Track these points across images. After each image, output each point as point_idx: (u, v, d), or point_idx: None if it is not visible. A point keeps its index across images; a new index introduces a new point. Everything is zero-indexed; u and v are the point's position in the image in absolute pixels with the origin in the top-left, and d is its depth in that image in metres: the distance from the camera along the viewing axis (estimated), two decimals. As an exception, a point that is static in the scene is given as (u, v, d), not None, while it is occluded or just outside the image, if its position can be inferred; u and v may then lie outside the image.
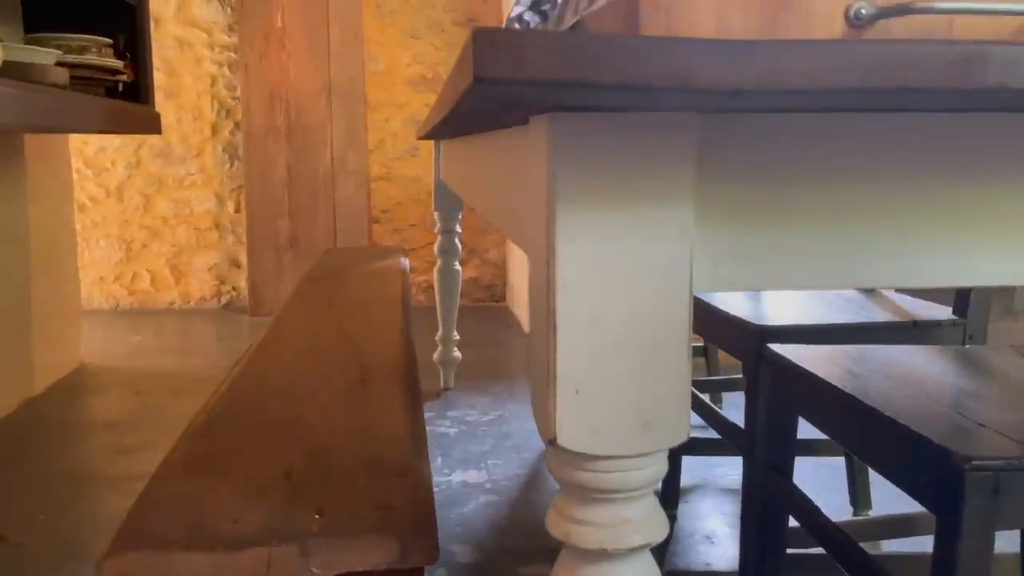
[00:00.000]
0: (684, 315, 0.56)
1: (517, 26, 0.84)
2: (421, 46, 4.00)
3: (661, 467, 0.58)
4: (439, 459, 2.09)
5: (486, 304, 4.17)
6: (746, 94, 0.44)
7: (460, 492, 1.89)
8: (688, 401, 0.58)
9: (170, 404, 2.59)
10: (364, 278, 1.99)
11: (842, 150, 0.57)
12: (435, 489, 1.88)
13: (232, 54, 3.86)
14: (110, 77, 2.37)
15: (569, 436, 0.56)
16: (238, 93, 3.83)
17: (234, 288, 4.01)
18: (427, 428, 2.30)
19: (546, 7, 0.84)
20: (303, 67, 3.77)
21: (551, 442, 0.56)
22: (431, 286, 4.04)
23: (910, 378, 1.06)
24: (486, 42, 0.43)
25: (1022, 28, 0.58)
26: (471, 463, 2.06)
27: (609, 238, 0.54)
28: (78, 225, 3.68)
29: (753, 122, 0.57)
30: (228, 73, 3.89)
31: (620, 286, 0.55)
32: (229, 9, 3.86)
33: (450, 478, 1.97)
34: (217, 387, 1.19)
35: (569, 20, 0.76)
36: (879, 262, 0.59)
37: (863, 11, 0.57)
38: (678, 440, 0.57)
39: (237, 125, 3.89)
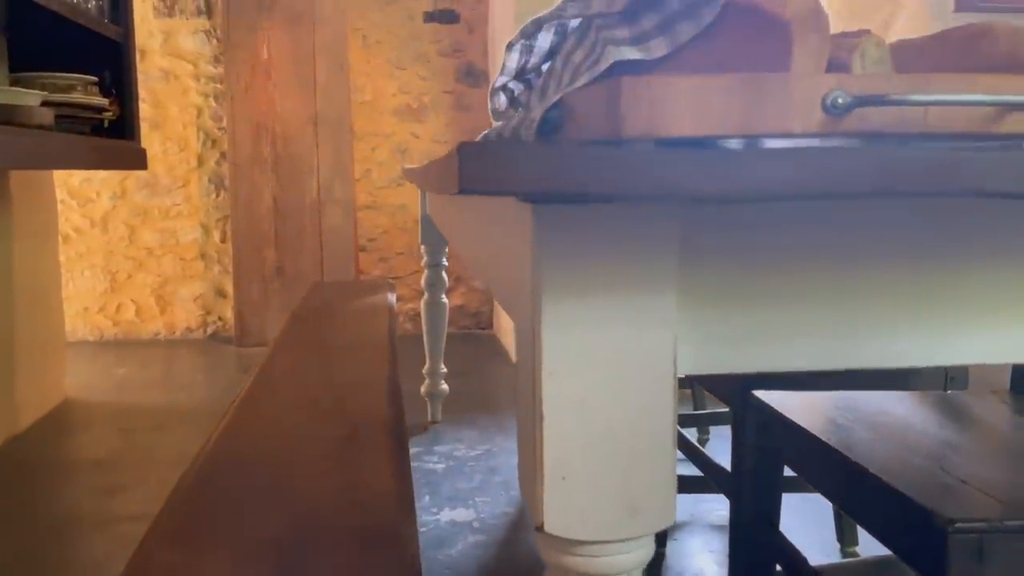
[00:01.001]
0: (669, 401, 0.57)
1: (502, 95, 0.85)
2: (407, 76, 4.03)
3: (647, 551, 0.59)
4: (426, 497, 2.08)
5: (473, 332, 4.17)
6: (728, 202, 0.45)
7: (448, 532, 1.88)
8: (674, 484, 0.58)
9: (156, 441, 2.57)
10: (351, 318, 1.99)
11: (823, 234, 0.59)
12: (422, 529, 1.87)
13: (218, 85, 3.87)
14: (96, 115, 2.37)
15: (556, 522, 0.56)
16: (224, 124, 3.83)
17: (220, 318, 4.00)
18: (414, 464, 2.30)
19: (531, 76, 0.85)
20: (289, 98, 3.78)
21: (539, 528, 0.57)
22: (418, 314, 4.04)
23: (894, 428, 1.07)
24: (471, 157, 0.43)
25: (993, 116, 0.60)
26: (459, 501, 2.06)
27: (593, 327, 0.55)
28: (62, 256, 3.66)
29: (735, 208, 0.58)
30: (214, 104, 3.90)
31: (605, 373, 0.56)
32: (215, 41, 3.87)
33: (438, 517, 1.96)
34: (203, 444, 1.19)
35: (552, 95, 0.77)
36: (861, 343, 0.60)
37: (840, 100, 0.58)
38: (664, 524, 0.58)
39: (223, 155, 3.89)
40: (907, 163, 0.46)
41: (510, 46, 0.83)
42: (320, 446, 1.12)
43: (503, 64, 0.84)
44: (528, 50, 0.83)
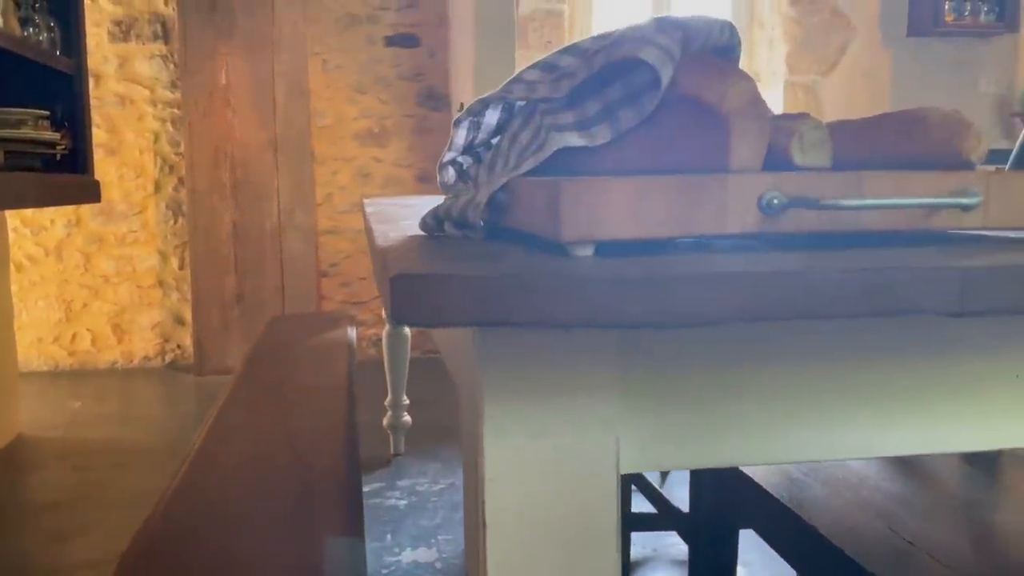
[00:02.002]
0: (612, 504, 0.57)
1: (450, 169, 0.85)
2: (368, 100, 4.02)
3: (592, 652, 0.59)
4: (388, 536, 2.07)
5: (436, 356, 4.15)
6: (662, 328, 0.46)
7: (410, 574, 1.87)
8: (618, 586, 0.58)
9: (112, 480, 2.52)
10: (309, 357, 1.97)
11: (759, 334, 0.59)
12: (384, 572, 1.86)
13: (175, 110, 3.83)
14: (47, 150, 2.33)
15: (500, 628, 0.56)
16: (182, 149, 3.79)
17: (179, 346, 3.94)
18: (376, 501, 2.28)
19: (479, 149, 0.85)
20: (248, 123, 3.75)
21: (483, 633, 0.56)
22: (380, 340, 4.02)
23: (848, 483, 1.09)
24: (403, 291, 0.43)
25: (925, 212, 0.61)
26: (421, 539, 2.04)
27: (536, 434, 0.55)
28: (15, 286, 3.59)
29: (674, 310, 0.58)
30: (171, 129, 3.85)
31: (547, 480, 0.56)
32: (172, 66, 3.83)
33: (399, 558, 1.95)
34: (154, 507, 1.17)
35: (499, 173, 0.77)
36: (801, 437, 0.61)
37: (775, 201, 0.59)
38: (608, 626, 0.58)
39: (181, 181, 3.85)
40: (839, 286, 0.46)
41: (457, 123, 0.83)
42: (272, 508, 1.10)
43: (451, 140, 0.84)
44: (476, 126, 0.83)
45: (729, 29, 0.78)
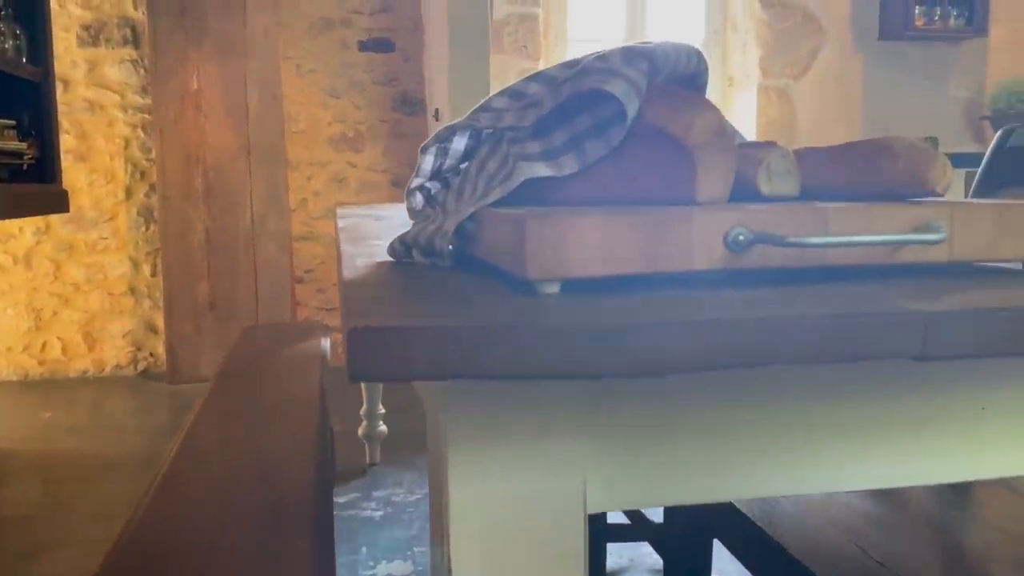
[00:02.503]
0: (579, 546, 0.57)
1: (418, 195, 0.84)
2: (342, 105, 3.99)
3: None
4: (364, 549, 2.05)
5: (413, 361, 4.13)
6: (627, 377, 0.45)
7: (385, 588, 1.86)
8: (586, 627, 0.58)
9: (82, 493, 2.49)
10: (282, 370, 1.96)
11: (724, 373, 0.59)
12: (359, 586, 1.85)
13: (146, 116, 3.78)
14: (14, 160, 2.29)
15: (467, 673, 0.55)
16: (153, 155, 3.74)
17: (151, 354, 3.89)
18: (351, 512, 2.27)
19: (448, 174, 0.85)
20: (221, 128, 3.71)
21: None
22: (357, 345, 4.00)
23: (816, 501, 1.09)
24: (362, 344, 0.43)
25: (891, 248, 0.61)
26: (397, 552, 2.03)
27: (501, 477, 0.55)
28: (-17, 295, 3.53)
29: (640, 348, 0.58)
30: (142, 135, 3.81)
31: (513, 523, 0.55)
32: (143, 71, 3.78)
33: (374, 571, 1.94)
34: (125, 525, 1.15)
35: (467, 200, 0.76)
36: (768, 473, 0.61)
37: (741, 237, 0.59)
38: (576, 668, 0.57)
39: (152, 187, 3.80)
40: (805, 333, 0.46)
41: (424, 149, 0.82)
42: (242, 531, 1.09)
43: (418, 166, 0.83)
44: (443, 152, 0.82)
45: (696, 57, 0.78)
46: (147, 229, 3.85)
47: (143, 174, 3.83)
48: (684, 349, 0.45)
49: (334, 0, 3.94)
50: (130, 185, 3.83)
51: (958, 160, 3.92)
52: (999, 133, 1.21)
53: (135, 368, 3.89)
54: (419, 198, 0.85)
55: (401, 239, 0.80)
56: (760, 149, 0.74)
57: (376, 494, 2.41)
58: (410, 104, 4.06)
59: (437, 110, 3.67)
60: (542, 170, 0.70)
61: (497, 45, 4.03)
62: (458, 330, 0.43)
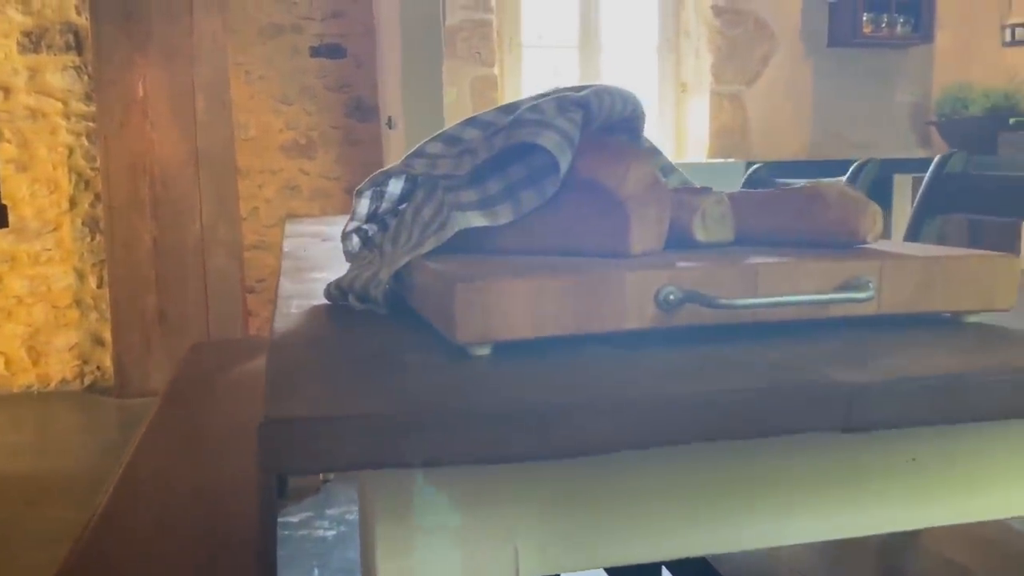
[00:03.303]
0: (511, 613, 0.56)
1: (355, 237, 0.83)
2: (293, 112, 3.94)
3: None
4: (315, 571, 2.03)
5: (369, 370, 4.10)
6: (552, 459, 0.45)
7: (337, 611, 1.84)
8: None
9: (26, 516, 2.42)
10: (229, 391, 1.92)
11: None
12: (310, 610, 1.82)
13: (90, 124, 3.69)
14: (-53, 176, 2.22)
15: None
16: (97, 164, 3.66)
17: (98, 367, 3.81)
18: (304, 532, 2.24)
19: (386, 216, 0.83)
20: (168, 136, 3.64)
21: None
22: (311, 355, 3.95)
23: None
24: (274, 438, 0.41)
25: (821, 306, 0.61)
26: (350, 573, 2.01)
27: (431, 549, 0.54)
28: (-80, 310, 3.42)
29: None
30: (87, 143, 3.72)
31: (444, 594, 0.54)
32: (86, 77, 3.69)
33: (327, 594, 1.91)
34: (64, 558, 1.12)
35: (402, 247, 0.75)
36: (700, 531, 0.61)
37: (671, 297, 0.59)
38: None
39: (97, 197, 3.71)
40: (729, 410, 0.46)
41: (359, 193, 0.81)
42: (181, 563, 1.07)
43: (353, 210, 0.81)
44: (379, 196, 0.81)
45: (633, 101, 0.77)
46: (92, 240, 3.76)
47: (88, 183, 3.74)
48: (606, 432, 0.45)
49: (284, 5, 3.89)
50: (74, 195, 3.74)
51: (905, 165, 4.00)
52: (937, 158, 1.23)
53: (82, 382, 3.80)
54: (355, 240, 0.83)
55: (338, 283, 0.79)
56: (695, 195, 0.74)
57: (330, 512, 2.38)
58: (363, 111, 4.02)
59: (390, 118, 3.64)
60: (477, 220, 0.69)
61: (451, 51, 4.01)
62: (373, 420, 0.42)
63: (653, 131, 4.26)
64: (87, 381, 3.81)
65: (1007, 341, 0.60)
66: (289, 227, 2.16)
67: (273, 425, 0.41)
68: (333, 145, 4.01)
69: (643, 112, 0.80)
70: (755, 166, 1.76)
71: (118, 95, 3.57)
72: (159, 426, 1.71)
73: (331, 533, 2.24)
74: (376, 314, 0.73)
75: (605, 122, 0.75)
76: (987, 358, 0.53)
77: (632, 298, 0.58)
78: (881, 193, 3.86)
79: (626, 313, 0.58)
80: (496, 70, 4.07)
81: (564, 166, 0.66)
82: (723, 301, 0.57)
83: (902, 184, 3.91)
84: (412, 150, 0.76)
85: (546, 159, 0.68)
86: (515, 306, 0.56)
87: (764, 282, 0.61)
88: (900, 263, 0.63)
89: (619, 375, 0.52)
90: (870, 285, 0.62)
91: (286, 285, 0.97)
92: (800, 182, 1.64)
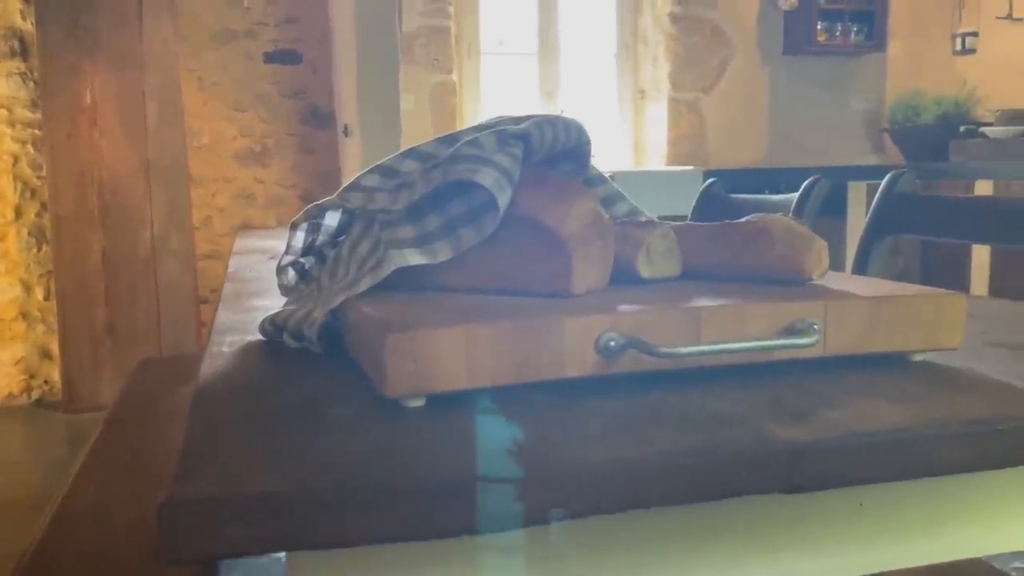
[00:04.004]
0: None
1: (291, 271, 0.80)
2: (248, 119, 3.87)
3: None
4: (268, 593, 1.98)
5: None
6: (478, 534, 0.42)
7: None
8: None
9: (-35, 541, 2.33)
10: (176, 411, 1.87)
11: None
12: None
13: (36, 131, 3.59)
14: None
15: None
16: (44, 173, 3.56)
17: (46, 382, 3.70)
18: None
19: (324, 248, 0.80)
20: (117, 145, 3.55)
21: None
22: (267, 366, 3.88)
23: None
24: (174, 523, 0.38)
25: (748, 356, 0.60)
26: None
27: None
28: None
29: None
30: (32, 151, 3.61)
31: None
32: (32, 84, 3.59)
33: (279, 618, 1.87)
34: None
35: (340, 282, 0.72)
36: (645, 582, 0.59)
37: (612, 343, 0.57)
38: None
39: (44, 206, 3.61)
40: (668, 476, 0.44)
41: (295, 226, 0.78)
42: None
43: (288, 243, 0.78)
44: (315, 228, 0.78)
45: (577, 130, 0.75)
46: (39, 251, 3.66)
47: (34, 193, 3.64)
48: (539, 503, 0.42)
49: (237, 11, 3.82)
50: (20, 204, 3.63)
51: (859, 172, 4.05)
52: (887, 177, 1.23)
53: (29, 397, 3.69)
54: (291, 274, 0.80)
55: (272, 320, 0.76)
56: (640, 229, 0.72)
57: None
58: (319, 118, 3.97)
59: (346, 126, 3.59)
60: (415, 258, 0.66)
61: (408, 57, 3.97)
62: (286, 500, 0.39)
63: (612, 139, 4.26)
64: (34, 396, 3.70)
65: (954, 384, 0.59)
66: (239, 242, 2.11)
67: (170, 510, 0.38)
68: (289, 152, 3.94)
69: (589, 140, 0.78)
70: (709, 180, 1.76)
71: (65, 102, 3.47)
72: (101, 451, 1.66)
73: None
74: (311, 353, 0.70)
75: (548, 153, 0.73)
76: (933, 407, 0.52)
77: (572, 345, 0.56)
78: (836, 201, 3.90)
79: (566, 361, 0.56)
80: (455, 77, 4.04)
81: (503, 204, 0.63)
82: (664, 350, 0.55)
83: (857, 191, 3.95)
84: (349, 182, 0.73)
85: (485, 195, 0.66)
86: (448, 356, 0.54)
87: (707, 326, 0.59)
88: (845, 304, 0.62)
89: (555, 434, 0.49)
90: (815, 328, 0.60)
91: (223, 316, 0.94)
92: (752, 197, 1.64)
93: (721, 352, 0.57)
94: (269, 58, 3.88)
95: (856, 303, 0.62)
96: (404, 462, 0.44)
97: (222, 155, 3.86)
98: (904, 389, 0.57)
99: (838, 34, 4.19)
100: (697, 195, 1.72)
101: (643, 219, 0.82)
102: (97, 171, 3.53)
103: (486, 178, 0.63)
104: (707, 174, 3.84)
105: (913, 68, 4.48)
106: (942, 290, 0.65)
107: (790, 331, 0.60)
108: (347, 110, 3.69)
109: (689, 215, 1.77)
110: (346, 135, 3.64)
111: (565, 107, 4.09)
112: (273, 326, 0.75)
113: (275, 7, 3.87)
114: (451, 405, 0.54)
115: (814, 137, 4.41)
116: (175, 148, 3.65)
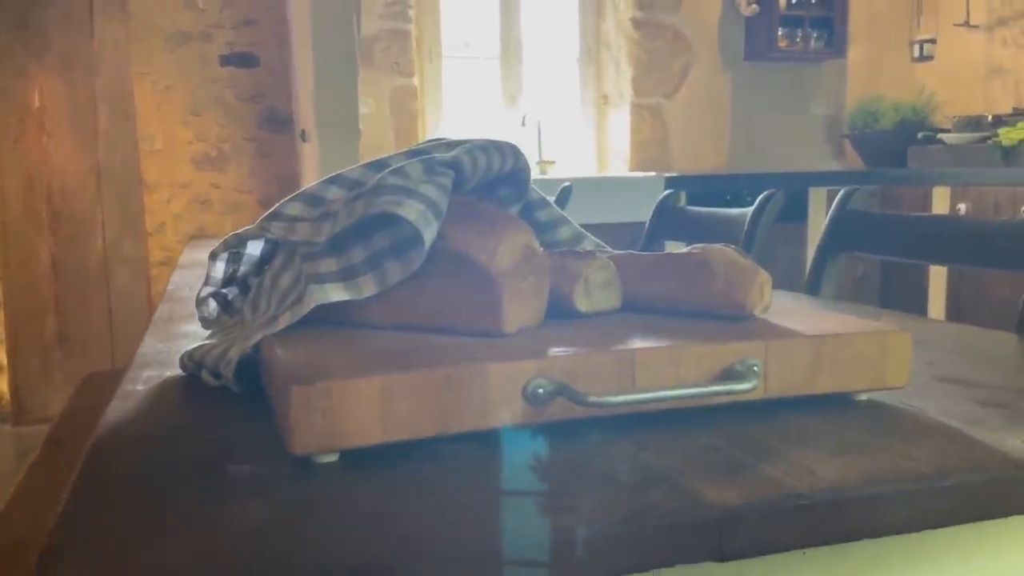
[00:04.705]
0: None
1: (212, 302, 0.76)
2: (203, 123, 3.79)
3: None
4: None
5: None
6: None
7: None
8: None
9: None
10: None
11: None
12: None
13: (-18, 135, 3.48)
14: None
15: None
16: (-9, 178, 3.45)
17: (-6, 393, 3.59)
18: None
19: (249, 277, 0.76)
20: (67, 150, 3.45)
21: None
22: (224, 375, 3.80)
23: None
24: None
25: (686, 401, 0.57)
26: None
27: None
28: None
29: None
30: (-22, 156, 3.50)
31: None
32: (-24, 86, 3.47)
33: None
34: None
35: (262, 316, 0.68)
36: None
37: (540, 391, 0.53)
38: None
39: (-9, 213, 3.50)
40: (590, 543, 0.41)
41: (213, 256, 0.73)
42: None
43: (207, 274, 0.74)
44: (237, 258, 0.74)
45: (513, 155, 0.72)
46: (-14, 258, 3.54)
47: (-20, 198, 3.52)
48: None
49: (192, 12, 3.74)
50: (-35, 210, 3.51)
51: (820, 179, 4.07)
52: (840, 194, 1.22)
53: (-25, 409, 3.58)
54: (212, 306, 0.76)
55: (191, 355, 0.71)
56: (579, 261, 0.68)
57: None
58: (278, 121, 3.90)
59: (303, 131, 3.53)
60: (338, 293, 0.62)
61: (368, 61, 3.92)
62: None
63: (576, 144, 4.24)
64: (-20, 408, 3.59)
65: (897, 431, 0.56)
66: (187, 253, 2.05)
67: (47, 558, 0.34)
68: (246, 157, 3.87)
69: (527, 164, 0.75)
70: (666, 192, 1.73)
71: (12, 106, 3.37)
72: (39, 473, 1.59)
73: None
74: (231, 392, 0.66)
75: (482, 181, 0.69)
76: (874, 461, 0.50)
77: (497, 393, 0.53)
78: (796, 207, 3.92)
79: (491, 410, 0.53)
80: (416, 80, 4.00)
81: (428, 238, 0.60)
82: (593, 399, 0.52)
83: (817, 197, 3.97)
84: (270, 210, 0.69)
85: (412, 228, 0.62)
86: (362, 409, 0.50)
87: (642, 370, 0.56)
88: (787, 344, 0.59)
89: (472, 501, 0.46)
90: (755, 369, 0.57)
91: (147, 345, 0.89)
92: (706, 211, 1.62)
93: (654, 400, 0.53)
94: (225, 61, 3.80)
95: (798, 343, 0.59)
96: (310, 538, 0.40)
97: (177, 160, 3.77)
98: (846, 438, 0.54)
99: (799, 40, 4.21)
100: (652, 210, 1.69)
101: (582, 249, 0.79)
102: (46, 176, 3.43)
103: (410, 211, 0.59)
104: (669, 180, 3.83)
105: (873, 74, 4.52)
106: (888, 327, 0.62)
107: (729, 374, 0.57)
108: (305, 114, 3.63)
109: (646, 226, 1.74)
110: (303, 140, 3.58)
111: (527, 112, 4.07)
112: (192, 361, 0.71)
113: (231, 9, 3.80)
114: (367, 460, 0.51)
115: (776, 143, 4.42)
116: (127, 153, 3.56)
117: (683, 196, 1.82)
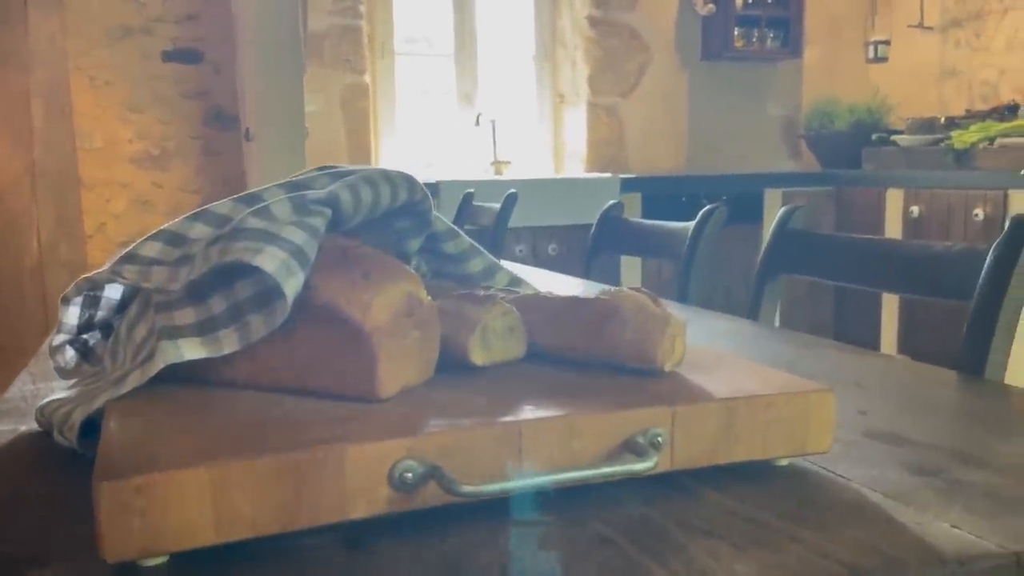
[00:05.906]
0: None
1: (69, 350, 0.67)
2: (145, 120, 3.65)
3: None
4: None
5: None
6: None
7: None
8: None
9: None
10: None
11: None
12: None
13: (-94, 133, 3.32)
14: None
15: None
16: (-84, 178, 3.29)
17: (-78, 402, 3.43)
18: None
19: (113, 320, 0.68)
20: (0, 148, 3.31)
21: None
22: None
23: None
24: None
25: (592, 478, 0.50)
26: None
27: None
28: None
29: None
30: (-98, 154, 3.34)
31: None
32: (-100, 81, 3.31)
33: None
34: None
35: (106, 385, 0.60)
36: None
37: (409, 475, 0.46)
38: None
39: (-83, 214, 3.34)
40: None
41: (65, 300, 0.65)
42: None
43: (60, 321, 0.66)
44: (93, 302, 0.66)
45: (409, 186, 0.65)
46: (-88, 261, 3.39)
47: (-95, 198, 3.36)
48: None
49: (132, 6, 3.60)
50: None
51: (776, 179, 4.05)
52: (781, 212, 1.16)
53: (-98, 419, 3.42)
54: (70, 354, 0.68)
55: (42, 411, 0.63)
56: (477, 307, 0.61)
57: None
58: (223, 119, 3.77)
59: (247, 130, 3.42)
60: (194, 350, 0.55)
61: (318, 58, 3.82)
62: None
63: (532, 143, 4.17)
64: (-93, 418, 3.43)
65: (816, 510, 0.50)
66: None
67: None
68: (191, 156, 3.74)
69: (426, 195, 0.68)
70: (610, 203, 1.67)
71: (-62, 101, 3.22)
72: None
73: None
74: (77, 456, 0.58)
75: (368, 218, 0.62)
76: (784, 556, 0.43)
77: (358, 480, 0.46)
78: (752, 207, 3.89)
79: (350, 500, 0.46)
80: (367, 78, 3.90)
81: (292, 290, 0.52)
82: (467, 489, 0.45)
83: (773, 198, 3.95)
84: (126, 250, 0.61)
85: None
86: (190, 505, 0.43)
87: (530, 446, 0.49)
88: (696, 410, 0.52)
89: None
90: (659, 440, 0.51)
91: (17, 386, 0.80)
92: (649, 224, 1.56)
93: (540, 485, 0.47)
94: (168, 56, 3.67)
95: (709, 408, 0.53)
96: None
97: (117, 158, 3.63)
98: (758, 522, 0.48)
99: (755, 40, 4.18)
100: (596, 219, 1.63)
101: (490, 287, 0.72)
102: (-25, 176, 3.28)
103: (269, 261, 0.52)
104: (625, 182, 3.78)
105: (828, 75, 4.51)
106: (810, 385, 0.56)
107: (630, 447, 0.50)
108: (251, 112, 3.51)
109: (590, 239, 1.68)
110: (247, 139, 3.47)
111: (482, 111, 3.99)
112: (44, 417, 0.63)
113: (173, 3, 3.66)
114: (201, 562, 0.43)
115: (732, 143, 4.40)
116: (64, 151, 3.42)
117: (626, 206, 1.76)
